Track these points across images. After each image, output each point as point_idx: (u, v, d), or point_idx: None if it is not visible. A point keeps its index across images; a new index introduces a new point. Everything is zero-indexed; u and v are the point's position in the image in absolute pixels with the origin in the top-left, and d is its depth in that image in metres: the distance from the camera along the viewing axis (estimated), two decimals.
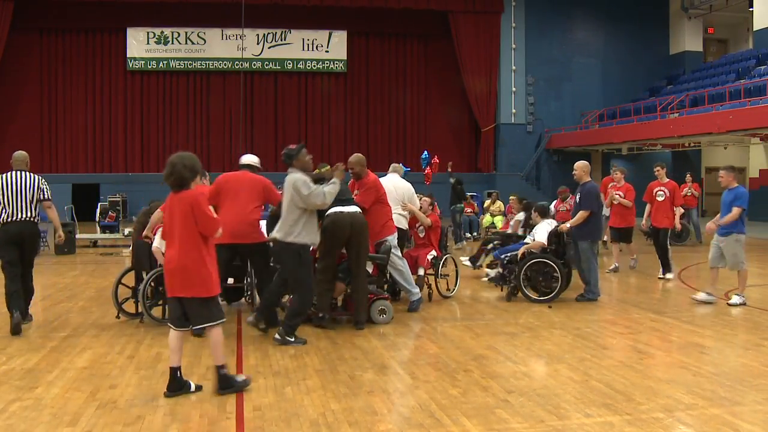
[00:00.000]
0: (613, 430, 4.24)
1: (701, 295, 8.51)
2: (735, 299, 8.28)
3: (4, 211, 6.93)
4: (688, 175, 16.40)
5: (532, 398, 4.82)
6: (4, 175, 7.05)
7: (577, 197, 8.84)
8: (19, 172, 7.07)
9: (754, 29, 24.87)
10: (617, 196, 11.27)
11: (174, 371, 4.87)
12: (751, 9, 25.08)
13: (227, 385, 4.94)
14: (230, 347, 6.17)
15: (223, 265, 6.33)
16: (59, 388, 5.05)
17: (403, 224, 8.48)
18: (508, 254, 8.91)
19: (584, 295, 8.66)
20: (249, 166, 7.32)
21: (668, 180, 11.09)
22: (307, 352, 6.09)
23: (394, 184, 8.50)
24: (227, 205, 6.91)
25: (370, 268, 7.43)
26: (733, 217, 8.16)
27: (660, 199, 10.77)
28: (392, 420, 4.41)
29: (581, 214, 8.60)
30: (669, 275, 10.52)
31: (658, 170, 11.14)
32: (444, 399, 4.80)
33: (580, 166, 8.94)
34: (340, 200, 6.96)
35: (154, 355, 6.02)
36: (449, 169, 16.79)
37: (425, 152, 13.09)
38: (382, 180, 8.24)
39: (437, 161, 15.58)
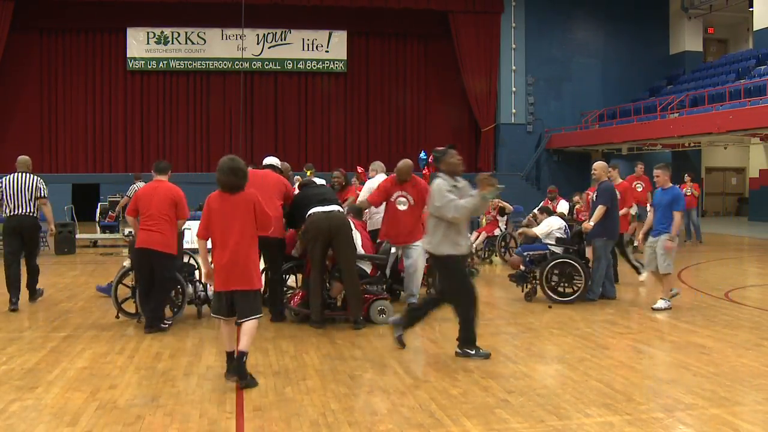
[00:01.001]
0: (613, 430, 4.24)
1: (660, 303, 8.10)
2: (660, 303, 8.04)
3: (8, 207, 8.21)
4: (687, 176, 16.37)
5: (532, 398, 4.82)
6: (8, 177, 8.32)
7: (594, 196, 8.97)
8: (20, 174, 8.32)
9: (754, 29, 24.84)
10: None
11: (230, 355, 5.19)
12: (751, 9, 25.05)
13: (244, 375, 5.07)
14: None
15: None
16: (59, 388, 5.06)
17: None
18: (531, 253, 8.90)
19: (585, 295, 8.66)
20: (272, 167, 7.79)
21: (621, 181, 10.57)
22: (307, 352, 6.10)
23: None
24: None
25: (368, 268, 7.43)
26: (678, 225, 8.07)
27: None
28: (392, 420, 4.41)
29: (598, 210, 8.67)
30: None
31: (610, 171, 10.16)
32: (444, 399, 4.81)
33: (600, 166, 9.08)
34: (319, 200, 7.04)
35: (154, 355, 6.02)
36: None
37: (422, 152, 13.10)
38: (372, 182, 8.48)
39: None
